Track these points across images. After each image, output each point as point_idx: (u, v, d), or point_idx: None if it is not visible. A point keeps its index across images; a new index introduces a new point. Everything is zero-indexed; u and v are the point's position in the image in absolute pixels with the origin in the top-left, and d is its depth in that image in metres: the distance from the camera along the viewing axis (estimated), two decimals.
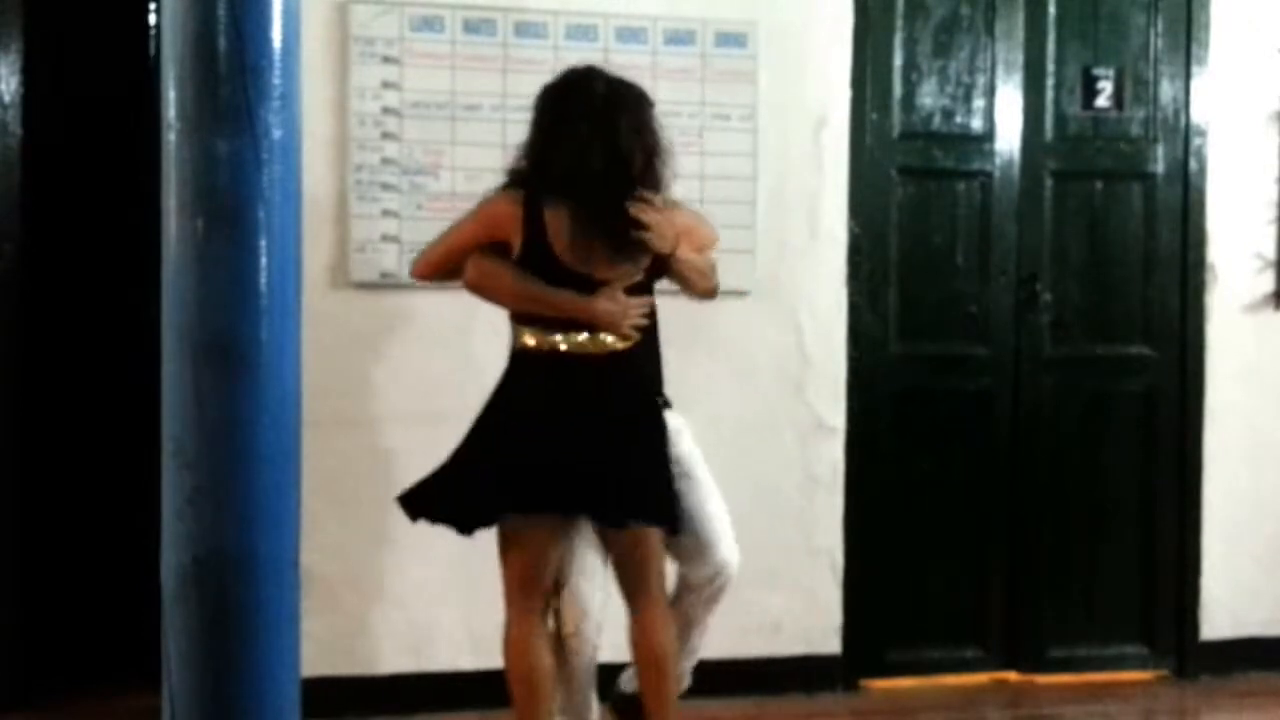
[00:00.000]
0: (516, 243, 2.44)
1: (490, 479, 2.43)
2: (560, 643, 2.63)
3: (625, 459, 2.46)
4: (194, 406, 1.37)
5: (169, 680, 1.39)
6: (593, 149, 2.41)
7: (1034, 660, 3.73)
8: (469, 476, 2.46)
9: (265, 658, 1.38)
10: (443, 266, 2.56)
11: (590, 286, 2.44)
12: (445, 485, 2.47)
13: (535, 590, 2.52)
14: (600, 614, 2.67)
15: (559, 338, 2.45)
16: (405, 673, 3.31)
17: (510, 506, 2.46)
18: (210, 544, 1.36)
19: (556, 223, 2.41)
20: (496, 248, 2.48)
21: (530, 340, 2.47)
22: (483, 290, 2.52)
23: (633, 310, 2.46)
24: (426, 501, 2.49)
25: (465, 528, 2.52)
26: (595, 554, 2.64)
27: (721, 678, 3.15)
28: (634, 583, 2.54)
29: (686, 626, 2.66)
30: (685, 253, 2.50)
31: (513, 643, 2.51)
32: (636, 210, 2.41)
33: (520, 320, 2.51)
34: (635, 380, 2.52)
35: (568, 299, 2.43)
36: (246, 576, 1.37)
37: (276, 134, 1.37)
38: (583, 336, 2.45)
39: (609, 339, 2.46)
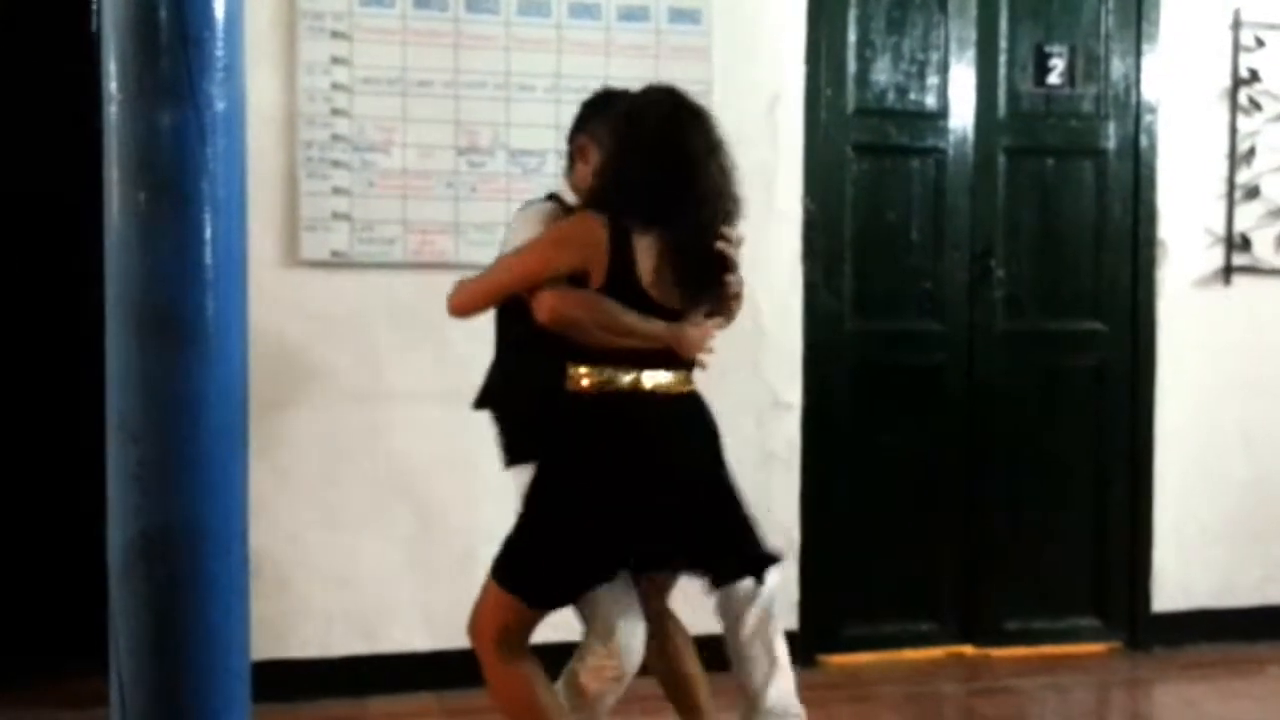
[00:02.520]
0: (599, 271, 2.29)
1: (625, 540, 2.32)
2: (587, 682, 2.49)
3: (733, 509, 2.42)
4: (139, 380, 1.37)
5: (116, 655, 1.40)
6: (695, 187, 2.33)
7: (989, 634, 3.82)
8: (599, 543, 2.31)
9: (214, 632, 1.40)
10: (501, 297, 2.40)
11: (669, 319, 2.34)
12: (575, 560, 2.32)
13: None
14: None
15: (642, 376, 2.32)
16: (358, 655, 3.32)
17: (639, 565, 2.40)
18: (157, 518, 1.38)
19: (644, 252, 2.30)
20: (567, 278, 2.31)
21: (620, 378, 2.32)
22: (572, 322, 2.30)
23: (710, 338, 2.42)
24: (559, 586, 2.34)
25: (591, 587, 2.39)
26: (632, 591, 2.50)
27: None
28: (659, 606, 2.54)
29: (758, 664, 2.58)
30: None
31: (531, 680, 2.38)
32: (727, 251, 2.36)
33: (585, 358, 2.33)
34: (712, 420, 2.46)
35: (662, 328, 2.32)
36: (194, 550, 1.38)
37: (220, 105, 1.38)
38: (666, 376, 2.35)
39: (684, 376, 2.39)
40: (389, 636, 3.34)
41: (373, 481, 3.32)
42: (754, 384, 3.58)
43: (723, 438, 2.46)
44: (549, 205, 2.53)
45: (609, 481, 2.31)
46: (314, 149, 3.25)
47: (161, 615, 1.39)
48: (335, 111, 3.26)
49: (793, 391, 3.62)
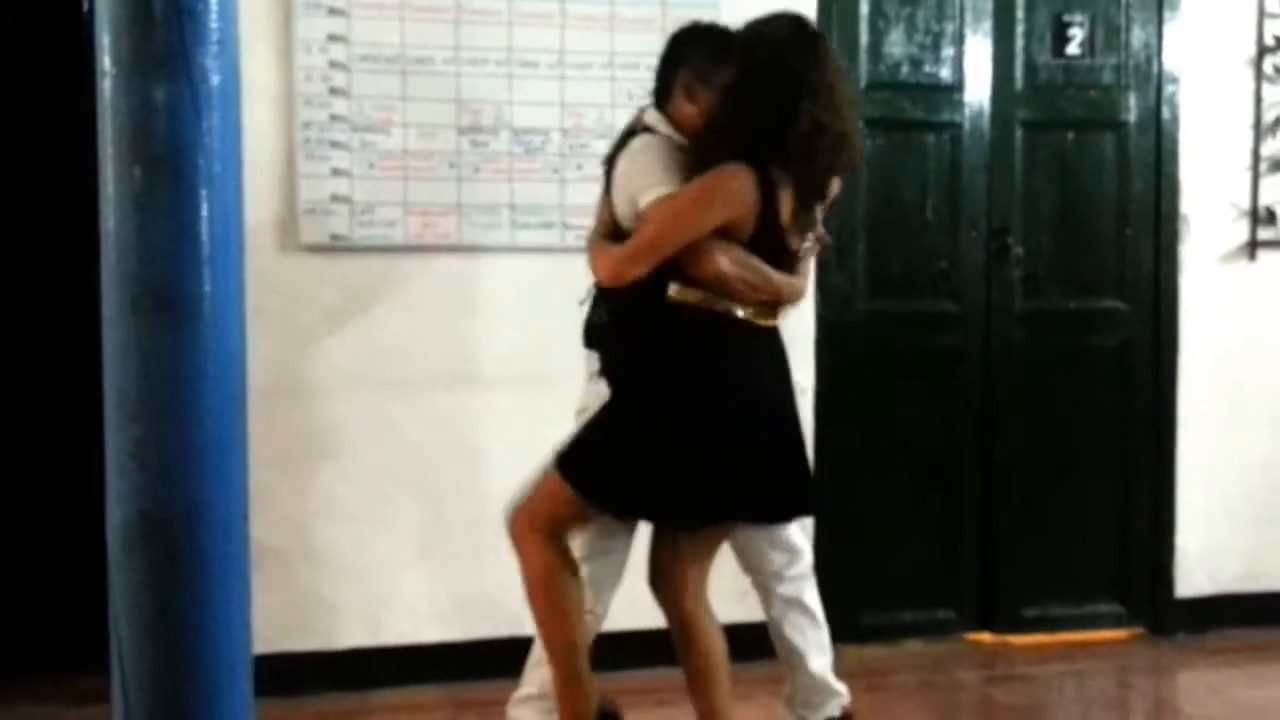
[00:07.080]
0: (748, 223, 2.36)
1: (729, 478, 2.38)
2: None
3: (800, 447, 2.51)
4: (137, 358, 1.39)
5: (117, 638, 1.42)
6: (832, 124, 2.37)
7: (1007, 621, 3.83)
8: (704, 473, 2.36)
9: (216, 613, 1.41)
10: (660, 258, 2.36)
11: (791, 259, 2.46)
12: (684, 483, 2.37)
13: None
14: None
15: (753, 309, 2.42)
16: (363, 647, 3.35)
17: (749, 514, 2.48)
18: (157, 498, 1.39)
19: (785, 201, 2.39)
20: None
21: (738, 310, 2.39)
22: (727, 279, 2.36)
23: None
24: (624, 494, 2.40)
25: (694, 525, 2.47)
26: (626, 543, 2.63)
27: None
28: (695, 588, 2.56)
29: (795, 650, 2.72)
30: None
31: (563, 572, 2.44)
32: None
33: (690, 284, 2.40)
34: (786, 351, 2.54)
35: (785, 282, 2.43)
36: (194, 531, 1.40)
37: (215, 79, 1.39)
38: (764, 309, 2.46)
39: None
40: (395, 628, 3.36)
41: (378, 471, 3.34)
42: None
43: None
44: (663, 141, 2.49)
45: (701, 408, 2.36)
46: (312, 130, 3.26)
47: (162, 596, 1.41)
48: (333, 91, 3.27)
49: (804, 374, 3.59)
